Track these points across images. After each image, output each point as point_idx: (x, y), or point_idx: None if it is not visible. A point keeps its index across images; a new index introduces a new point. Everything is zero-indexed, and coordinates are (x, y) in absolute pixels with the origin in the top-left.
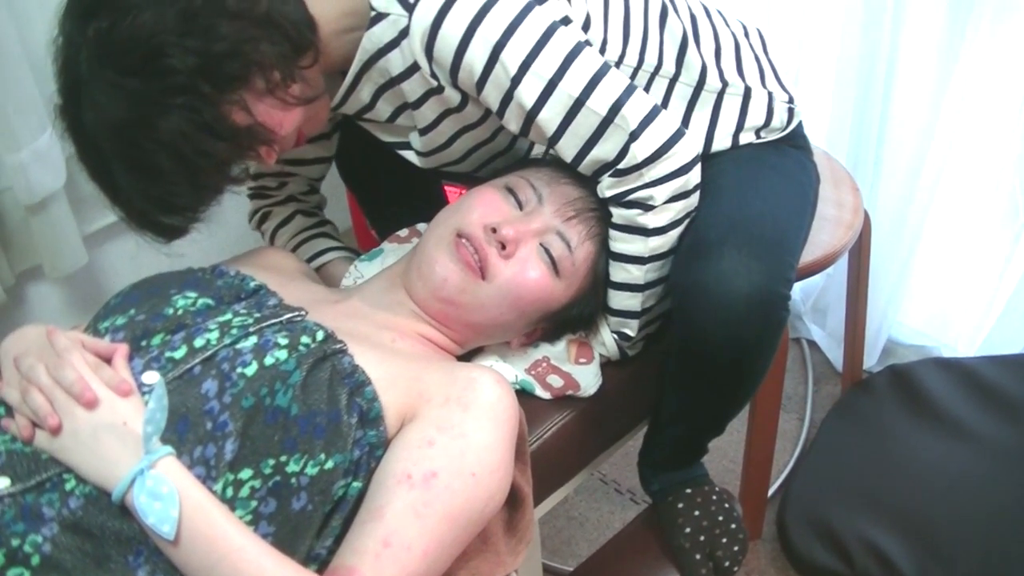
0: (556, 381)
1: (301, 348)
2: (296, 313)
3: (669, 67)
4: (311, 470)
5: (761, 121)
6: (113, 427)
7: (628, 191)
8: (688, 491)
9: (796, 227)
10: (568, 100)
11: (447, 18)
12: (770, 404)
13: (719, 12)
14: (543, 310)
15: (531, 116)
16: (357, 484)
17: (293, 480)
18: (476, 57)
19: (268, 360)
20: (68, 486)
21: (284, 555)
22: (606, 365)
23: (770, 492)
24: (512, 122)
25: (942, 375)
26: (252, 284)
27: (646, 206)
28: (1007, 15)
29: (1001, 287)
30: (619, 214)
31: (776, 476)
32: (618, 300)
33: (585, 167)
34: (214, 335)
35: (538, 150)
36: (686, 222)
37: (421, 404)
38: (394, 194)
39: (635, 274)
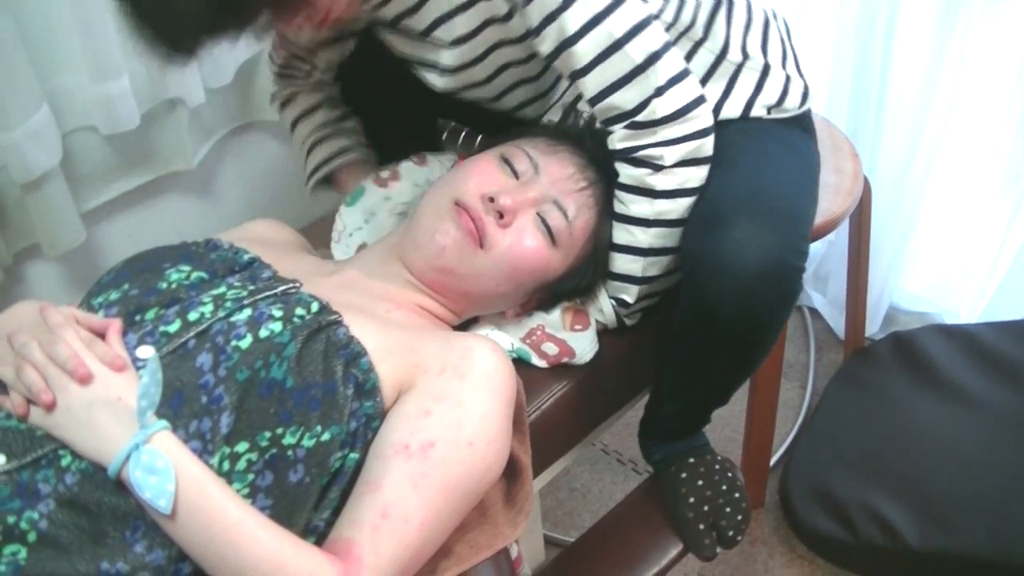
0: (551, 349)
1: (296, 320)
2: (291, 285)
3: (698, 31)
4: (307, 442)
5: (774, 100)
6: (108, 402)
7: (640, 147)
8: (691, 460)
9: (808, 199)
10: (608, 39)
11: None
12: (772, 373)
13: None
14: (539, 280)
15: (567, 43)
16: (354, 456)
17: (290, 452)
18: None
19: (263, 332)
20: (64, 462)
21: (281, 527)
22: (604, 334)
23: (772, 461)
24: (546, 43)
25: (944, 342)
26: (246, 257)
27: (655, 166)
28: None
29: (1003, 253)
30: (627, 173)
31: (778, 445)
32: (619, 263)
33: (601, 110)
34: (208, 308)
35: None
36: (695, 196)
37: (418, 374)
38: (390, 122)
39: (639, 237)
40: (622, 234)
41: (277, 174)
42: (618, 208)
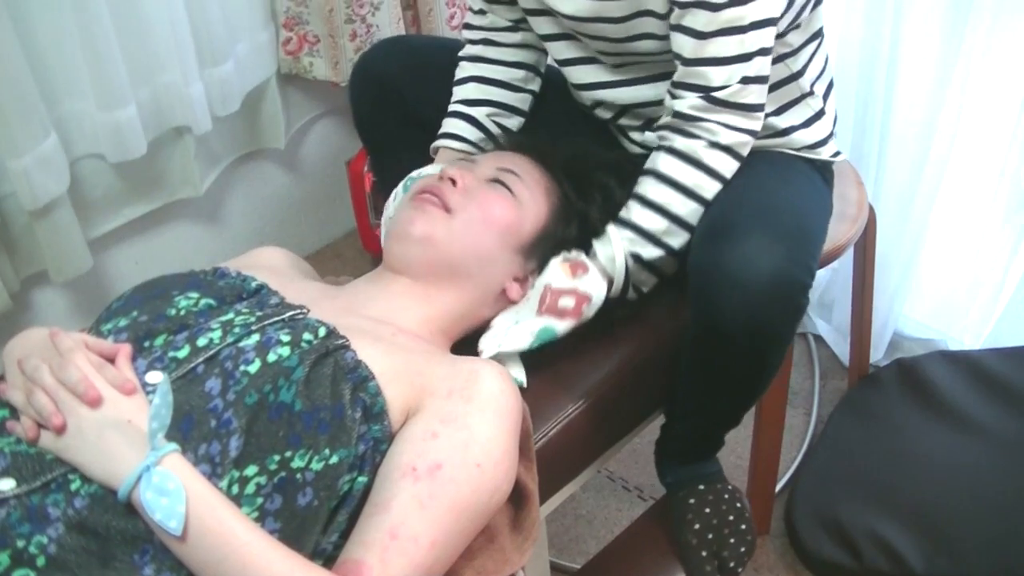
0: (568, 302)
1: (303, 345)
2: (298, 311)
3: (789, 44)
4: (316, 465)
5: (812, 141)
6: (118, 425)
7: (706, 119)
8: (700, 487)
9: (820, 225)
10: (738, 20)
11: None
12: (777, 399)
13: None
14: (517, 233)
15: (704, 5)
16: (362, 479)
17: (298, 476)
18: None
19: (271, 357)
20: (73, 486)
21: (291, 550)
22: (613, 357)
23: (777, 488)
24: None
25: (949, 368)
26: (254, 284)
27: (711, 141)
28: (1011, 3)
29: (1007, 279)
30: (681, 140)
31: (783, 472)
32: (644, 217)
33: (688, 73)
34: (217, 334)
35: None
36: (720, 185)
37: (425, 397)
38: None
39: (674, 200)
40: (658, 191)
41: (284, 201)
42: (659, 167)
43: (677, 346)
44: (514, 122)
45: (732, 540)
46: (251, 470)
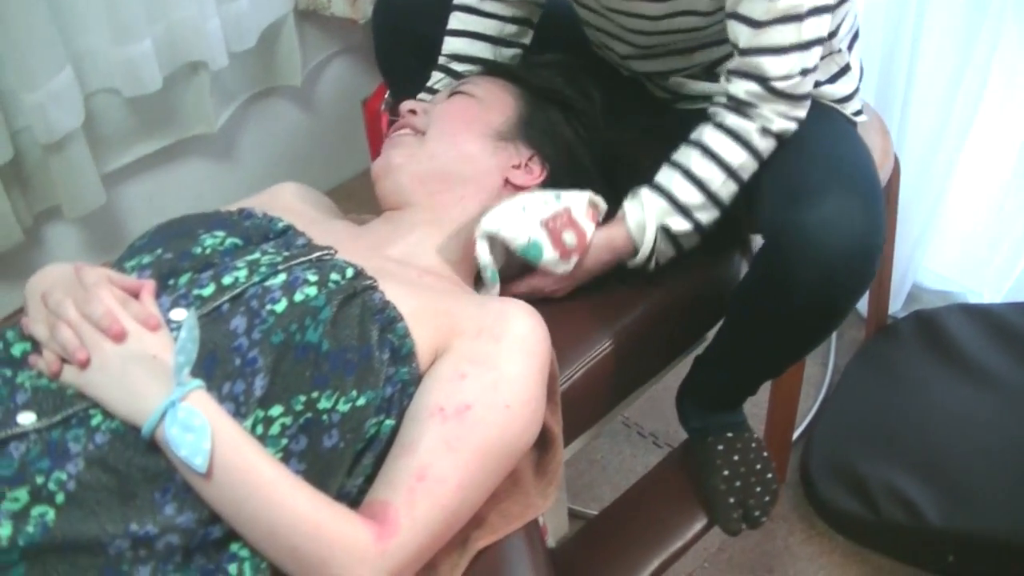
0: (571, 238)
1: (331, 285)
2: (325, 252)
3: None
4: (342, 407)
5: (840, 95)
6: (142, 360)
7: (761, 106)
8: (729, 435)
9: (879, 181)
10: (795, 8)
11: None
12: None
13: None
14: (486, 122)
15: None
16: (390, 422)
17: (324, 417)
18: None
19: (298, 296)
20: (94, 421)
21: (316, 489)
22: (638, 304)
23: (792, 438)
24: None
25: (968, 321)
26: (280, 224)
27: (764, 128)
28: None
29: None
30: (735, 120)
31: (799, 422)
32: (683, 188)
33: (745, 63)
34: (243, 273)
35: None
36: (758, 168)
37: (453, 338)
38: None
39: (716, 177)
40: (702, 166)
41: (298, 139)
42: (709, 143)
43: (709, 293)
44: None
45: (758, 489)
46: (276, 410)
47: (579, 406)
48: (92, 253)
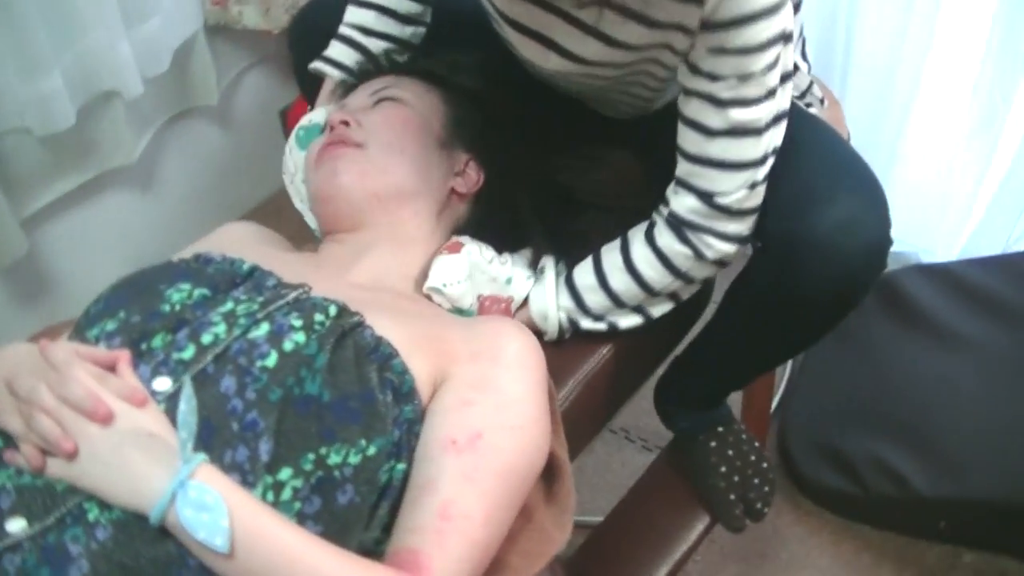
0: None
1: (317, 327)
2: (301, 290)
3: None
4: (354, 459)
5: (796, 94)
6: (137, 440)
7: (702, 227)
8: (719, 430)
9: (866, 163)
10: (753, 123)
11: None
12: None
13: None
14: (429, 128)
15: (719, 103)
16: (401, 466)
17: (336, 473)
18: (747, 37)
19: (287, 346)
20: (91, 516)
21: (344, 550)
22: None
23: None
24: (698, 58)
25: (926, 281)
26: (245, 266)
27: (699, 253)
28: None
29: (980, 190)
30: (668, 242)
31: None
32: (592, 296)
33: (688, 172)
34: (221, 328)
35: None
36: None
37: (449, 364)
38: None
39: (633, 294)
40: (615, 273)
41: (220, 158)
42: (635, 256)
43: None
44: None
45: (756, 480)
46: (285, 473)
47: (579, 422)
48: (20, 306)
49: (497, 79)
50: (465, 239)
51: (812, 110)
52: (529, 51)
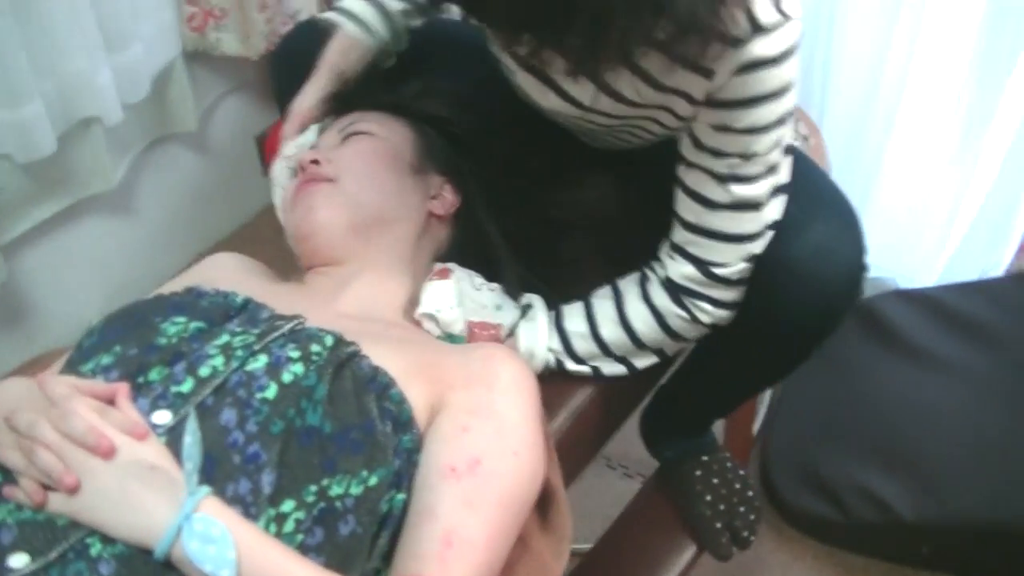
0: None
1: (315, 358)
2: (296, 321)
3: None
4: (355, 490)
5: None
6: (140, 473)
7: (697, 293)
8: (704, 458)
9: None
10: (752, 199)
11: (782, 67)
12: None
13: None
14: (401, 156)
15: (723, 178)
16: (401, 496)
17: (338, 504)
18: (755, 117)
19: (286, 377)
20: (94, 551)
21: None
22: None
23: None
24: (701, 133)
25: (905, 306)
26: (238, 299)
27: (693, 317)
28: None
29: (959, 215)
30: (663, 302)
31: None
32: (582, 343)
33: (685, 240)
34: (219, 361)
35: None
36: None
37: (444, 391)
38: None
39: (625, 346)
40: (608, 324)
41: (198, 184)
42: (629, 310)
43: None
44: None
45: (742, 508)
46: (288, 505)
47: (572, 453)
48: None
49: (469, 103)
50: (452, 266)
51: (795, 143)
52: (528, 85)
